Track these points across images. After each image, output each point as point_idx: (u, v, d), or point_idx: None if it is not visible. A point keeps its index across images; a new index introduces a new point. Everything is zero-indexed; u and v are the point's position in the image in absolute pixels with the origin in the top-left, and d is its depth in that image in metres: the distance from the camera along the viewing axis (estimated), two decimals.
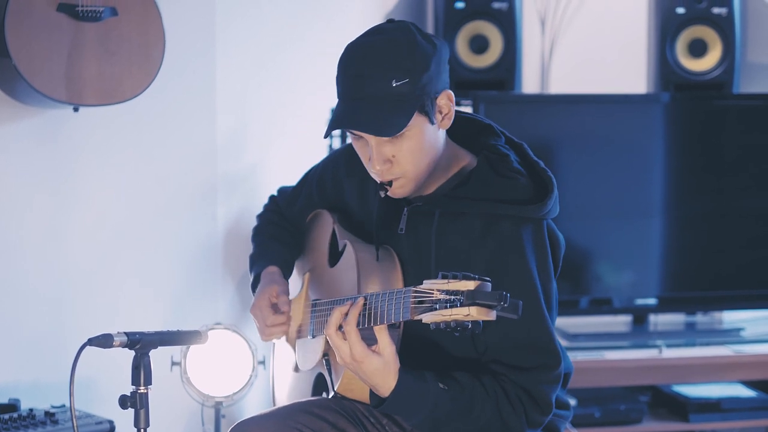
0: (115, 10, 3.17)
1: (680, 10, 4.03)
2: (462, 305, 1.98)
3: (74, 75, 3.13)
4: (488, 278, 2.03)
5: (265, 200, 2.97)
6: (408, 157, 2.28)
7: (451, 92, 2.30)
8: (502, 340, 2.29)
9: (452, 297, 1.99)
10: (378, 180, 2.33)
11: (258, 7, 3.71)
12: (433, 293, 2.03)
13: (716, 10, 4.03)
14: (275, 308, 2.61)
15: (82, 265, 3.49)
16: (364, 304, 2.22)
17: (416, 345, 2.33)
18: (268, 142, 3.72)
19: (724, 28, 4.03)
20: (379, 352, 2.20)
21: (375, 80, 2.22)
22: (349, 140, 3.58)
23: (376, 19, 3.94)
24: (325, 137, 2.30)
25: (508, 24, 3.93)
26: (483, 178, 2.33)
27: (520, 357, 2.29)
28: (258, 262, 2.73)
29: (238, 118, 3.66)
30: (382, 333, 2.19)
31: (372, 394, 2.27)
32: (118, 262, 3.53)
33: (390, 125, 2.22)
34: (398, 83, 2.21)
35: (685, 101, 4.04)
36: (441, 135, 2.33)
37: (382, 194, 2.35)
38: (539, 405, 2.30)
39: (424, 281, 2.07)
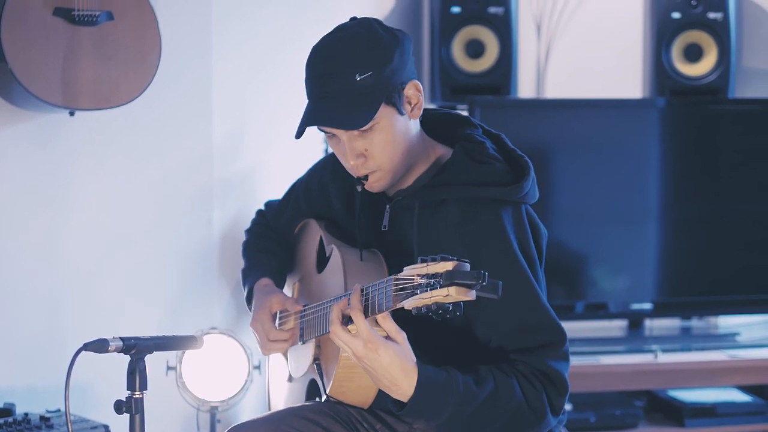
0: (111, 15, 3.17)
1: (676, 15, 4.03)
2: (441, 287, 1.98)
3: (70, 79, 3.13)
4: (467, 260, 2.02)
5: (261, 206, 2.98)
6: (380, 149, 2.29)
7: (418, 82, 2.32)
8: (500, 327, 2.28)
9: (432, 280, 1.99)
10: (354, 175, 2.35)
11: (254, 11, 3.71)
12: (413, 279, 2.03)
13: (712, 15, 4.03)
14: (275, 318, 2.61)
15: (77, 270, 3.49)
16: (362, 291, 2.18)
17: (419, 350, 2.29)
18: (264, 147, 3.72)
19: (720, 32, 4.03)
20: (392, 339, 2.15)
21: (339, 76, 2.25)
22: None
23: None
24: (297, 137, 2.32)
25: (504, 29, 3.93)
26: (459, 164, 2.35)
27: (524, 339, 2.28)
28: (250, 276, 2.73)
29: (234, 123, 3.66)
30: (386, 320, 2.13)
31: (393, 399, 2.20)
32: (114, 266, 3.53)
33: (356, 118, 2.24)
34: (362, 77, 2.24)
35: (681, 106, 4.04)
36: (413, 125, 2.35)
37: (359, 188, 2.37)
38: (555, 385, 2.28)
39: (404, 268, 2.07)
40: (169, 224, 3.58)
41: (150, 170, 3.55)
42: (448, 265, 1.99)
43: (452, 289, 1.97)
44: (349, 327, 2.17)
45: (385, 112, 2.27)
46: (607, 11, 4.20)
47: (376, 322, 2.15)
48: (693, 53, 4.06)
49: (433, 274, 1.99)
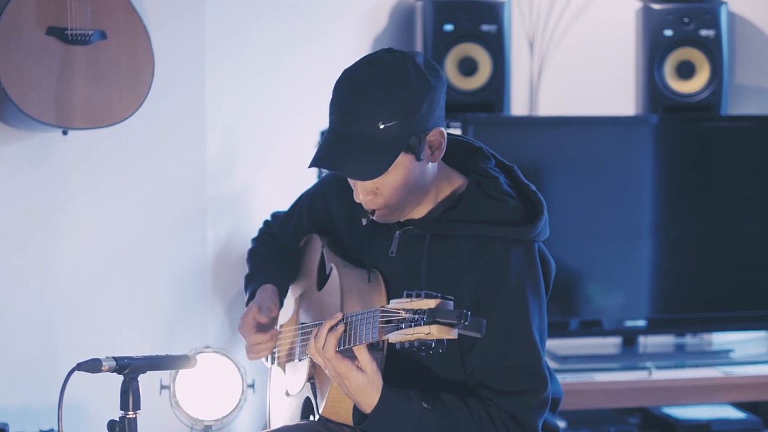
0: (105, 34, 3.18)
1: (668, 33, 4.04)
2: (424, 324, 1.99)
3: (63, 98, 3.14)
4: (451, 297, 2.03)
5: (255, 223, 2.97)
6: (390, 191, 2.27)
7: (442, 129, 2.27)
8: (488, 363, 2.28)
9: (416, 316, 2.00)
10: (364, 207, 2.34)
11: (247, 30, 3.71)
12: (399, 313, 2.04)
13: (704, 32, 4.04)
14: (261, 327, 2.61)
15: (71, 289, 3.48)
16: (342, 321, 2.23)
17: (403, 366, 2.33)
18: (257, 165, 3.73)
19: (712, 50, 4.04)
20: (362, 368, 2.20)
21: (362, 119, 2.20)
22: None
23: (365, 41, 3.95)
24: (309, 167, 2.30)
25: (497, 46, 3.93)
26: (473, 200, 2.33)
27: (505, 381, 2.28)
28: (253, 281, 2.72)
29: (227, 141, 3.66)
30: (361, 351, 2.20)
31: (355, 410, 2.27)
32: (108, 285, 3.53)
33: (370, 169, 2.22)
34: (385, 125, 2.19)
35: (674, 123, 4.05)
36: (430, 167, 2.31)
37: (364, 221, 2.36)
38: (525, 430, 2.28)
39: (391, 301, 2.08)
40: (163, 243, 3.58)
41: (143, 189, 3.55)
42: (431, 303, 2.00)
43: (434, 328, 1.99)
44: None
45: (402, 158, 2.23)
46: (600, 29, 4.21)
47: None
48: (685, 70, 4.07)
49: (416, 310, 2.00)
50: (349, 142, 2.22)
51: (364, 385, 2.21)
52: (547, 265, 2.39)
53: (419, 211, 2.38)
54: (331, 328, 2.23)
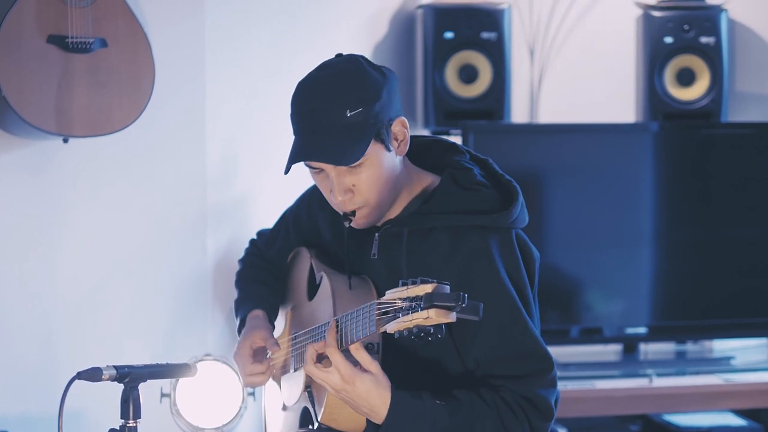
0: (105, 42, 3.18)
1: (668, 40, 4.04)
2: (422, 309, 1.99)
3: (64, 106, 3.14)
4: (447, 282, 2.04)
5: (254, 234, 2.98)
6: (368, 185, 2.30)
7: (404, 119, 2.33)
8: (490, 353, 2.29)
9: (413, 303, 2.01)
10: (341, 211, 2.35)
11: (248, 37, 3.71)
12: (395, 302, 2.05)
13: (704, 40, 4.04)
14: (258, 352, 2.61)
15: (71, 297, 3.48)
16: (337, 325, 2.23)
17: (402, 371, 2.33)
18: (258, 173, 3.72)
19: (712, 57, 4.04)
20: (365, 370, 2.20)
21: (329, 112, 2.25)
22: None
23: (366, 47, 3.96)
24: (286, 173, 2.32)
25: (497, 54, 3.94)
26: (447, 192, 2.36)
27: (512, 367, 2.30)
28: (243, 307, 2.74)
29: (228, 149, 3.66)
30: (359, 352, 2.20)
31: (368, 424, 2.27)
32: (108, 293, 3.52)
33: (348, 154, 2.25)
34: (352, 113, 2.24)
35: (674, 130, 4.05)
36: (398, 161, 2.36)
37: (346, 224, 2.38)
38: (540, 411, 2.29)
39: (386, 292, 2.09)
40: (163, 251, 3.58)
41: (144, 197, 3.55)
42: (427, 288, 2.01)
43: (432, 312, 1.99)
44: (323, 362, 2.24)
45: (374, 148, 2.28)
46: (600, 36, 4.22)
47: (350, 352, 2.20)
48: (686, 77, 4.07)
49: (413, 297, 2.01)
50: (321, 135, 2.27)
51: (373, 385, 2.20)
52: (529, 254, 2.40)
53: (393, 212, 2.40)
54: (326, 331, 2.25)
